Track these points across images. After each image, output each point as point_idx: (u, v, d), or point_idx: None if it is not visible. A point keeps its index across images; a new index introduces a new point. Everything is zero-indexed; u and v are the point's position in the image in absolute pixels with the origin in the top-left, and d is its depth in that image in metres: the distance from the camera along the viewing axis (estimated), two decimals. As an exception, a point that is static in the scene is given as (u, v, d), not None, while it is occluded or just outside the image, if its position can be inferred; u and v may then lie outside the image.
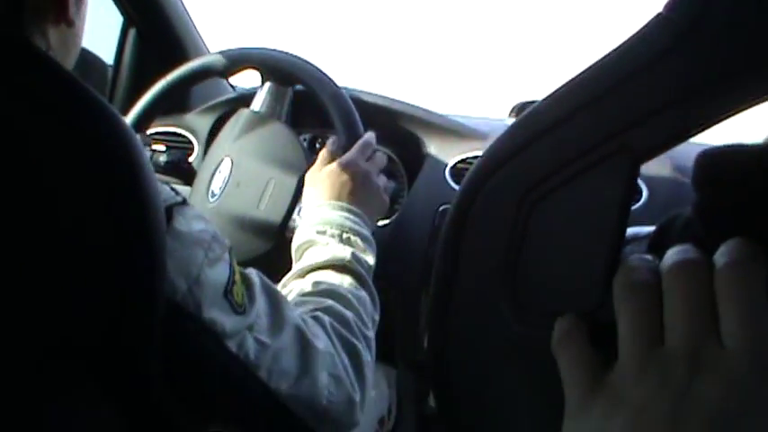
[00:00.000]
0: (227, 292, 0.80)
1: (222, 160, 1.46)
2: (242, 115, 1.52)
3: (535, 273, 0.45)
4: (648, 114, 0.41)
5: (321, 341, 0.92)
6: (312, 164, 1.37)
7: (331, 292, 1.04)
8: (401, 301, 1.61)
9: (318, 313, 0.98)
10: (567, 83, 0.45)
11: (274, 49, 1.49)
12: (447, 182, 1.63)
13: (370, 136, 1.34)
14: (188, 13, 1.89)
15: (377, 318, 1.10)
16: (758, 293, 0.37)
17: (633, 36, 0.43)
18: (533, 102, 1.48)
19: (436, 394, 0.51)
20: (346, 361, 0.95)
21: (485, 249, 0.46)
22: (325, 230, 1.13)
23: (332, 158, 1.27)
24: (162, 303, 0.69)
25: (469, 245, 0.46)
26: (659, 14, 0.42)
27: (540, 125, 0.45)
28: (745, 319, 0.36)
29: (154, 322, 0.68)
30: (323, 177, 1.23)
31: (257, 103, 1.54)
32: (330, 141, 1.34)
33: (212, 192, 1.44)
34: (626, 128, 0.42)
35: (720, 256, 0.39)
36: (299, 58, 1.46)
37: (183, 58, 1.68)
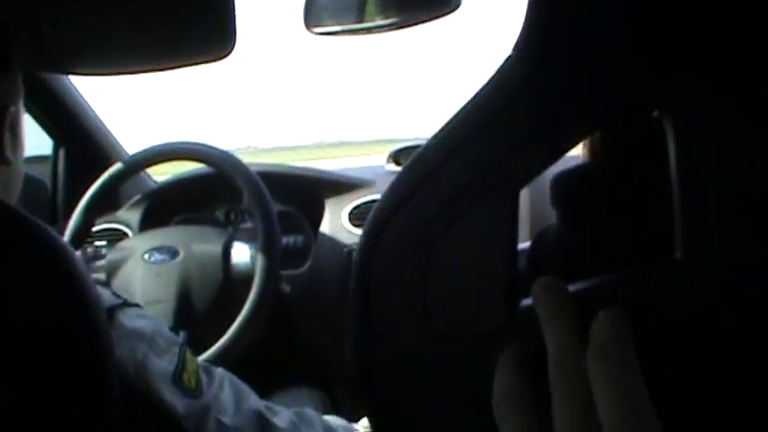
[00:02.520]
0: (176, 377, 0.82)
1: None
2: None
3: (443, 301, 0.46)
4: (519, 146, 0.43)
5: (282, 420, 0.95)
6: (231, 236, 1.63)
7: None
8: (326, 331, 1.87)
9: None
10: (442, 127, 0.47)
11: (183, 142, 1.73)
12: (346, 227, 1.92)
13: None
14: (105, 125, 2.12)
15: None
16: (626, 376, 0.37)
17: (491, 78, 0.45)
18: (408, 148, 1.81)
19: (369, 416, 0.52)
20: None
21: (394, 285, 0.47)
22: None
23: None
24: (115, 387, 0.71)
25: (378, 280, 0.48)
26: (509, 56, 0.45)
27: (425, 169, 0.46)
28: (614, 406, 0.36)
29: (110, 403, 0.70)
30: None
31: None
32: None
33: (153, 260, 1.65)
34: (501, 161, 0.44)
35: (592, 337, 0.39)
36: (199, 144, 1.70)
37: (107, 163, 1.85)
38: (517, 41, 0.44)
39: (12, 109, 0.82)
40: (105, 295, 0.81)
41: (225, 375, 0.93)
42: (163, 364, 0.82)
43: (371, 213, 0.49)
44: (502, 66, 0.45)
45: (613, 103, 0.42)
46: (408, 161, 0.49)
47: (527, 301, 0.44)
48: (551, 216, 0.54)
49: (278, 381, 1.77)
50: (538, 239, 0.55)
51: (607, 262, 0.43)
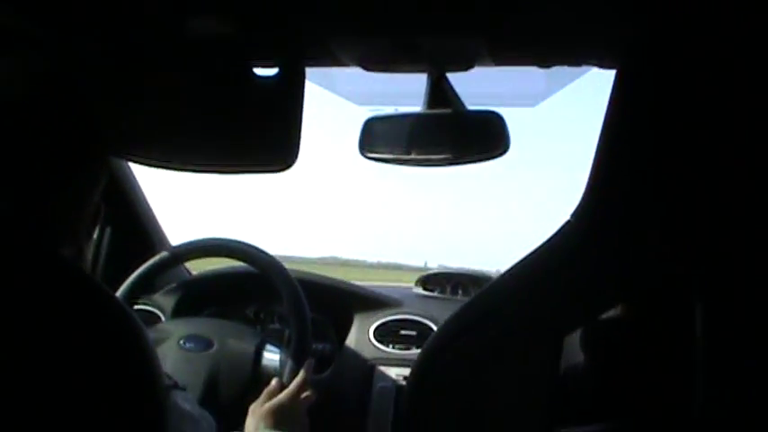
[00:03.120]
0: None
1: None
2: None
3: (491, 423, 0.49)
4: (569, 302, 0.48)
5: None
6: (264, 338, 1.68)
7: None
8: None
9: None
10: (504, 274, 0.51)
11: (221, 239, 1.79)
12: (371, 341, 1.99)
13: (308, 367, 1.50)
14: (153, 212, 2.19)
15: None
16: None
17: (551, 238, 0.50)
18: (436, 274, 1.86)
19: None
20: None
21: (445, 406, 0.51)
22: None
23: (274, 393, 1.44)
24: None
25: (430, 403, 0.52)
26: (568, 221, 0.49)
27: (484, 308, 0.51)
28: None
29: None
30: (265, 413, 1.38)
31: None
32: (275, 381, 1.48)
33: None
34: (552, 311, 0.48)
35: None
36: (245, 244, 1.76)
37: (148, 249, 1.97)
38: (576, 211, 0.49)
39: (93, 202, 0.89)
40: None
41: None
42: None
43: (431, 337, 0.54)
44: (560, 229, 0.50)
45: (653, 278, 0.47)
46: (467, 301, 0.54)
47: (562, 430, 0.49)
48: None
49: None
50: (568, 372, 0.59)
51: (628, 408, 0.49)
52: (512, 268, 0.52)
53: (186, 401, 0.89)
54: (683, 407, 0.44)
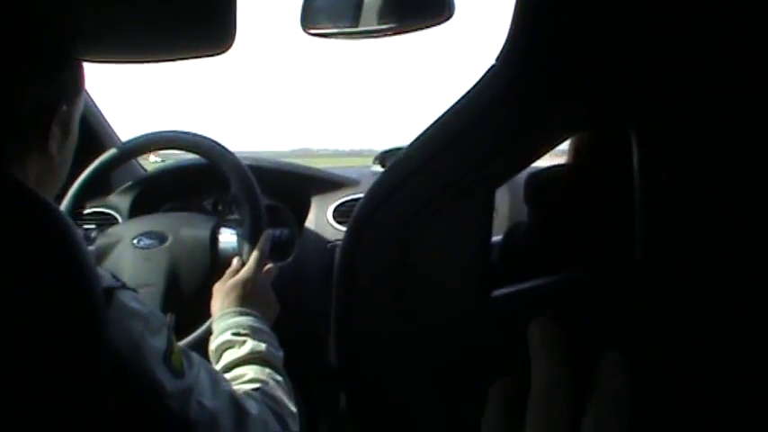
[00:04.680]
0: (166, 358, 0.86)
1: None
2: None
3: (419, 288, 0.48)
4: (496, 150, 0.45)
5: (254, 409, 1.01)
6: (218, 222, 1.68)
7: (256, 379, 1.14)
8: (305, 323, 1.92)
9: (251, 392, 1.08)
10: (426, 129, 0.49)
11: (173, 131, 1.75)
12: (330, 223, 1.98)
13: (265, 241, 1.53)
14: (100, 111, 2.16)
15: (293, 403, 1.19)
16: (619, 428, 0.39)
17: (474, 86, 0.48)
18: (393, 149, 1.86)
19: (348, 401, 0.53)
20: (279, 429, 1.05)
21: (375, 272, 0.50)
22: (238, 332, 1.26)
23: (236, 271, 1.46)
24: (106, 364, 0.74)
25: (361, 271, 0.50)
26: (492, 66, 0.47)
27: (409, 167, 0.48)
28: None
29: (100, 379, 0.73)
30: (228, 290, 1.39)
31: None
32: (236, 260, 1.52)
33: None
34: (480, 163, 0.46)
35: (598, 383, 0.41)
36: (194, 134, 1.72)
37: (100, 149, 1.90)
38: (500, 53, 0.47)
39: (64, 108, 0.87)
40: (106, 276, 0.85)
41: (201, 361, 0.98)
42: (156, 344, 0.86)
43: (356, 209, 0.52)
44: (485, 74, 0.48)
45: (586, 113, 0.45)
46: (392, 161, 0.51)
47: (498, 292, 0.46)
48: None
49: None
50: (509, 234, 0.58)
51: (574, 260, 0.47)
52: (436, 120, 0.49)
53: (135, 300, 0.88)
54: (624, 252, 0.43)
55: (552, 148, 0.46)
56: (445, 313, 0.48)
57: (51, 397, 0.71)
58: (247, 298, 1.38)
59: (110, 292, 0.83)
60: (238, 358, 1.20)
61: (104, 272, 0.85)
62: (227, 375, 1.14)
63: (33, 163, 0.86)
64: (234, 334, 1.26)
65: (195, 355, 0.97)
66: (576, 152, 0.55)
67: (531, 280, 0.47)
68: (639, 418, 0.41)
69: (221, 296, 1.40)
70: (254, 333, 1.27)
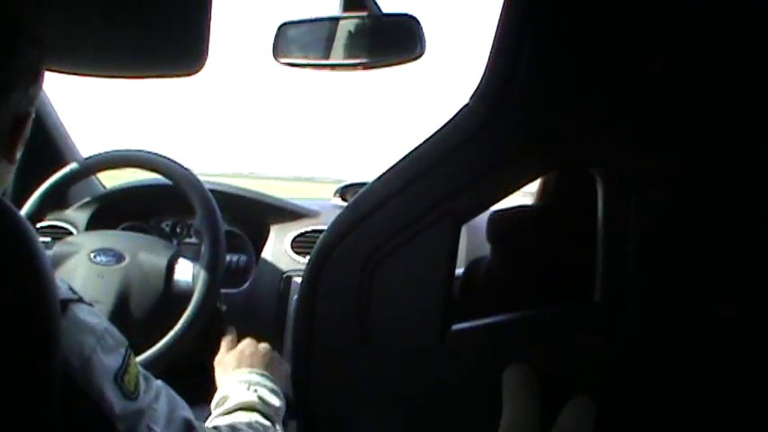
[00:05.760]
0: (118, 377, 0.83)
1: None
2: None
3: (381, 318, 0.49)
4: (466, 186, 0.46)
5: None
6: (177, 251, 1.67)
7: (234, 423, 1.13)
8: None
9: (219, 425, 1.08)
10: (394, 165, 0.50)
11: (134, 150, 1.74)
12: (288, 253, 1.98)
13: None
14: (63, 125, 2.13)
15: None
16: None
17: (448, 123, 0.48)
18: (354, 184, 1.86)
19: (303, 427, 0.55)
20: None
21: (337, 301, 0.50)
22: (235, 386, 1.28)
23: (233, 344, 1.48)
24: (57, 376, 0.73)
25: (324, 298, 0.50)
26: (467, 104, 0.48)
27: (376, 200, 0.49)
28: None
29: (51, 390, 0.72)
30: (231, 358, 1.42)
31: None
32: (229, 331, 1.56)
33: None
34: (449, 197, 0.46)
35: (559, 420, 0.43)
36: (158, 155, 1.71)
37: (60, 163, 1.86)
38: (474, 93, 0.48)
39: (33, 113, 0.85)
40: (62, 288, 0.82)
41: (162, 387, 0.95)
42: (108, 361, 0.83)
43: (320, 239, 0.52)
44: (458, 113, 0.48)
45: (554, 156, 0.46)
46: (358, 194, 0.52)
47: (459, 326, 0.47)
48: (484, 250, 0.58)
49: (200, 395, 1.77)
50: (470, 269, 0.59)
51: (535, 298, 0.48)
52: (407, 154, 0.50)
53: (91, 315, 0.85)
54: (585, 292, 0.44)
55: (521, 187, 0.47)
56: (407, 346, 0.48)
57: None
58: (251, 359, 1.40)
59: (65, 304, 0.80)
60: (229, 408, 1.21)
61: (61, 282, 0.83)
62: (218, 421, 1.16)
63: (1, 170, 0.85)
64: (230, 388, 1.28)
65: (157, 382, 0.95)
66: (543, 193, 0.56)
67: (491, 315, 0.48)
68: None
69: (228, 364, 1.41)
70: (249, 386, 1.28)
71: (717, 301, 0.42)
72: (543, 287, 0.52)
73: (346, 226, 0.51)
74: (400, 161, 0.50)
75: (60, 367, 0.74)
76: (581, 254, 0.46)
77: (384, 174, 0.51)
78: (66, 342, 0.77)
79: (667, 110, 0.43)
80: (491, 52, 0.47)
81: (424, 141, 0.49)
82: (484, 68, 0.48)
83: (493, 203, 0.48)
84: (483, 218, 0.52)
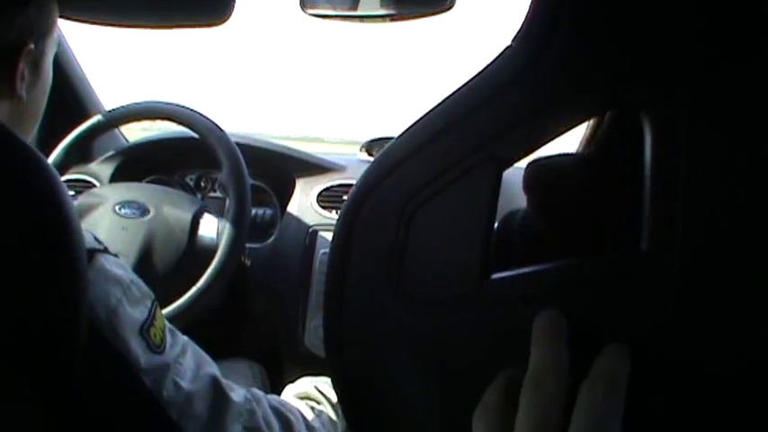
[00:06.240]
0: (143, 330, 0.83)
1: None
2: None
3: (417, 267, 0.48)
4: (508, 129, 0.45)
5: (237, 395, 0.96)
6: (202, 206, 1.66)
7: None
8: (281, 306, 1.91)
9: (254, 390, 1.04)
10: (435, 106, 0.48)
11: (159, 102, 1.71)
12: (313, 207, 1.96)
13: None
14: (87, 77, 2.11)
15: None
16: (609, 412, 0.39)
17: (489, 64, 0.47)
18: (381, 139, 1.84)
19: (335, 384, 0.53)
20: (275, 424, 1.00)
21: (371, 251, 0.49)
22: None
23: None
24: (84, 324, 0.73)
25: (357, 248, 0.49)
26: (509, 46, 0.47)
27: (412, 145, 0.48)
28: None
29: (78, 338, 0.72)
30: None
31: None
32: None
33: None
34: (490, 140, 0.45)
35: (594, 366, 0.41)
36: (184, 107, 1.68)
37: (84, 115, 1.87)
38: (516, 35, 0.46)
39: (31, 47, 0.83)
40: (88, 238, 0.81)
41: (189, 343, 0.94)
42: (134, 313, 0.83)
43: (354, 187, 0.50)
44: (499, 55, 0.47)
45: (600, 99, 0.44)
46: (396, 137, 0.50)
47: (498, 275, 0.46)
48: (514, 203, 0.57)
49: (222, 350, 1.79)
50: (505, 221, 0.57)
51: (573, 250, 0.46)
52: (445, 98, 0.48)
53: (117, 266, 0.84)
54: (627, 242, 0.43)
55: (565, 132, 0.46)
56: (444, 294, 0.47)
57: (25, 353, 0.69)
58: None
59: (91, 254, 0.80)
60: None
61: (87, 232, 0.81)
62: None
63: (2, 106, 0.83)
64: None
65: (183, 337, 0.94)
66: (585, 141, 0.55)
67: (530, 266, 0.46)
68: (634, 409, 0.40)
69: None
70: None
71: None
72: (584, 237, 0.50)
73: (380, 174, 0.49)
74: (438, 104, 0.49)
75: (87, 317, 0.74)
76: (625, 203, 0.45)
77: (419, 119, 0.49)
78: (93, 292, 0.77)
79: (719, 61, 0.41)
80: None
81: (463, 85, 0.48)
82: (529, 7, 0.46)
83: (537, 148, 0.46)
84: (511, 172, 0.49)
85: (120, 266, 0.85)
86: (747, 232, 0.40)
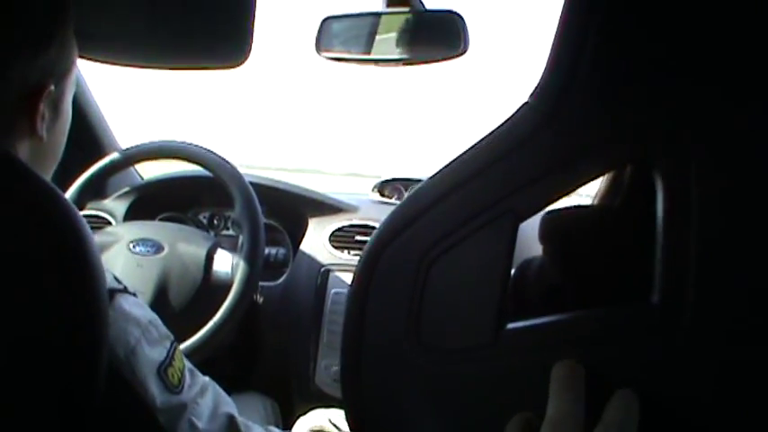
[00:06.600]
0: (161, 370, 0.83)
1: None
2: None
3: (435, 317, 0.48)
4: (526, 184, 0.45)
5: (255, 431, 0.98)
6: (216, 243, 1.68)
7: None
8: (292, 344, 1.92)
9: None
10: (452, 161, 0.49)
11: (173, 141, 1.74)
12: (326, 247, 1.97)
13: None
14: (103, 116, 2.13)
15: None
16: None
17: (507, 120, 0.48)
18: (393, 180, 1.85)
19: (350, 426, 0.54)
20: None
21: (390, 298, 0.49)
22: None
23: None
24: (104, 364, 0.72)
25: (376, 294, 0.50)
26: (526, 103, 0.47)
27: (432, 197, 0.48)
28: None
29: (97, 377, 0.72)
30: None
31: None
32: None
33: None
34: (508, 194, 0.46)
35: (605, 411, 0.42)
36: (198, 146, 1.71)
37: (100, 153, 1.90)
38: (535, 90, 0.47)
39: (51, 88, 0.83)
40: (108, 277, 0.81)
41: (209, 383, 0.95)
42: (153, 354, 0.84)
43: (374, 233, 0.51)
44: (517, 111, 0.48)
45: (615, 156, 0.45)
46: (412, 190, 0.52)
47: (513, 325, 0.47)
48: (531, 252, 0.57)
49: (235, 384, 1.79)
50: (522, 269, 0.58)
51: (587, 300, 0.46)
52: (465, 152, 0.49)
53: (137, 306, 0.85)
54: (641, 294, 0.43)
55: (581, 186, 0.46)
56: (461, 344, 0.48)
57: (46, 392, 0.69)
58: None
59: (111, 294, 0.80)
60: None
61: (107, 272, 0.80)
62: None
63: (23, 145, 0.83)
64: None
65: (205, 378, 0.95)
66: (602, 193, 0.55)
67: (543, 316, 0.47)
68: None
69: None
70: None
71: None
72: (598, 288, 0.50)
73: (401, 222, 0.50)
74: (457, 158, 0.49)
75: (107, 356, 0.74)
76: (638, 256, 0.45)
77: (441, 170, 0.50)
78: (112, 332, 0.77)
79: (730, 113, 0.42)
80: (552, 49, 0.47)
81: (482, 139, 0.49)
82: (546, 62, 0.47)
83: (552, 202, 0.47)
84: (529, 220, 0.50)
85: (139, 306, 0.86)
86: (759, 290, 0.41)
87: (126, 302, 0.83)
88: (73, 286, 0.70)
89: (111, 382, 0.75)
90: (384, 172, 2.25)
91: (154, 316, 0.88)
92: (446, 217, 0.48)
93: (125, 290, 0.85)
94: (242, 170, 1.68)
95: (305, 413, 1.36)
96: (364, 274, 0.51)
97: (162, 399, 0.83)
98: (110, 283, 0.81)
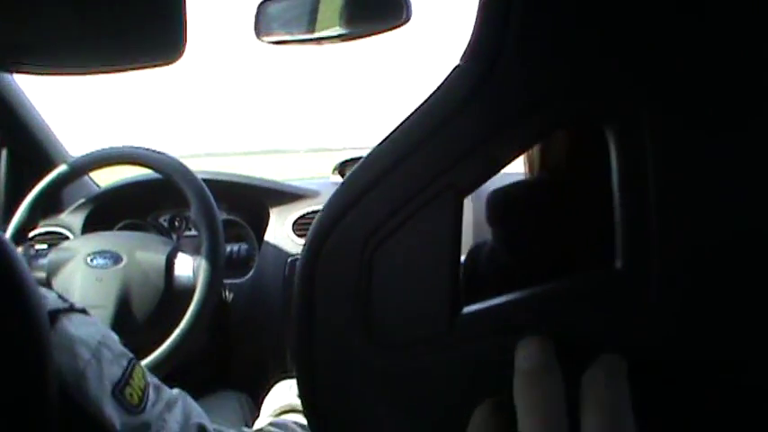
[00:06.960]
0: (117, 391, 0.80)
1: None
2: None
3: (384, 308, 0.46)
4: (466, 153, 0.43)
5: None
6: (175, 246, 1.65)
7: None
8: (266, 337, 1.90)
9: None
10: (386, 137, 0.47)
11: (122, 146, 1.71)
12: (290, 237, 1.94)
13: None
14: (48, 127, 2.08)
15: None
16: (622, 403, 0.38)
17: (438, 88, 0.46)
18: (353, 159, 1.84)
19: (310, 424, 0.52)
20: None
21: (337, 290, 0.47)
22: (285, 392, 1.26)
23: None
24: (53, 393, 0.70)
25: (322, 286, 0.48)
26: (457, 66, 0.45)
27: (369, 177, 0.46)
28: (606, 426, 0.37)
29: (46, 408, 0.70)
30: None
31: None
32: None
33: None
34: (447, 168, 0.44)
35: (594, 366, 0.39)
36: (148, 150, 1.68)
37: (50, 166, 1.82)
38: (465, 53, 0.44)
39: None
40: (50, 297, 0.79)
41: (178, 397, 0.91)
42: (106, 375, 0.79)
43: (315, 221, 0.48)
44: (448, 76, 0.45)
45: (556, 116, 0.42)
46: (351, 171, 0.48)
47: (469, 308, 0.44)
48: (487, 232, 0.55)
49: (211, 384, 1.79)
50: (473, 254, 0.57)
51: (542, 277, 0.44)
52: (398, 127, 0.46)
53: (85, 325, 0.81)
54: (599, 263, 0.41)
55: (522, 153, 0.44)
56: (415, 335, 0.45)
57: None
58: None
59: (54, 316, 0.76)
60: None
61: (49, 293, 0.79)
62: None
63: None
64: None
65: (174, 392, 0.91)
66: (532, 164, 0.54)
67: (499, 296, 0.44)
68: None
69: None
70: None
71: (747, 256, 0.39)
72: (552, 264, 0.47)
73: (342, 206, 0.47)
74: (392, 134, 0.47)
75: (55, 384, 0.71)
76: (591, 223, 0.44)
77: (376, 148, 0.47)
78: (59, 357, 0.74)
79: (685, 57, 0.40)
80: (480, 4, 0.44)
81: (415, 111, 0.46)
82: (474, 23, 0.44)
83: (495, 171, 0.44)
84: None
85: (88, 325, 0.82)
86: (725, 242, 0.39)
87: (71, 324, 0.79)
88: (6, 318, 0.67)
89: (64, 410, 0.72)
90: (349, 142, 2.22)
91: (106, 333, 0.84)
92: (384, 199, 0.45)
93: (71, 308, 0.81)
94: (201, 161, 1.65)
95: (267, 393, 1.34)
96: (307, 268, 0.48)
97: (122, 420, 0.79)
98: (53, 303, 0.78)
